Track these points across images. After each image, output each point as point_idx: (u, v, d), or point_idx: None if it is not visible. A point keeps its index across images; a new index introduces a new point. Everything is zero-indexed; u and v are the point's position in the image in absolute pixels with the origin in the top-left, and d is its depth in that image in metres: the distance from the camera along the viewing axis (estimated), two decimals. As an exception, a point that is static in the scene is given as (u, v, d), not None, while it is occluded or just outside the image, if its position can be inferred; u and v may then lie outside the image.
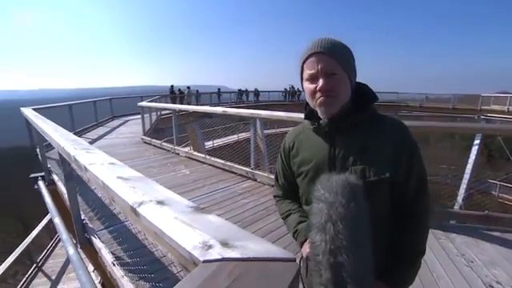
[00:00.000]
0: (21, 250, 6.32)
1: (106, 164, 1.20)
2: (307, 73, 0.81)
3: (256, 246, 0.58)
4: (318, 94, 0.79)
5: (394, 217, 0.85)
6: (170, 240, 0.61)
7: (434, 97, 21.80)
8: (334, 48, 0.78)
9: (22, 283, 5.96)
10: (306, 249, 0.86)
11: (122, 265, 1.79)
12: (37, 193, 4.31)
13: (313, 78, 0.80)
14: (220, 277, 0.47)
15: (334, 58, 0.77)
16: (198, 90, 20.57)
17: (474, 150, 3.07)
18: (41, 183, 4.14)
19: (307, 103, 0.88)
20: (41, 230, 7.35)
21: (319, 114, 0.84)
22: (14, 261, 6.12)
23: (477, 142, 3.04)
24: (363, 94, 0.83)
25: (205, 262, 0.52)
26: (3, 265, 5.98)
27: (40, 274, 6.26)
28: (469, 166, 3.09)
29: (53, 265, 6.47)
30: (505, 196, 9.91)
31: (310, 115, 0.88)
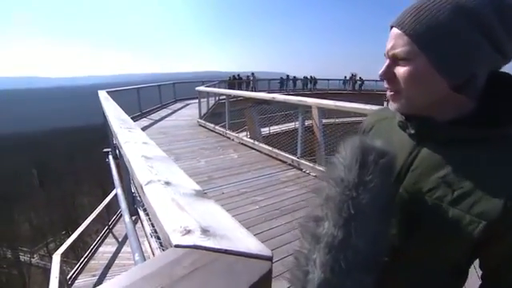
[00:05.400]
0: (96, 213, 7.45)
1: (139, 143, 1.29)
2: None
3: (235, 239, 0.55)
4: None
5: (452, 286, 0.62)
6: (158, 220, 0.63)
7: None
8: (416, 18, 0.49)
9: (97, 240, 7.06)
10: None
11: (158, 238, 1.96)
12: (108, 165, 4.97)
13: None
14: (180, 265, 0.46)
15: (407, 36, 0.50)
16: (288, 75, 21.13)
17: None
18: (110, 157, 4.73)
19: None
20: (113, 198, 8.53)
21: None
22: (95, 221, 7.26)
23: None
24: (506, 99, 0.52)
25: (176, 246, 0.51)
26: (84, 223, 7.18)
27: (110, 235, 7.31)
28: None
29: (120, 229, 7.46)
30: None
31: None
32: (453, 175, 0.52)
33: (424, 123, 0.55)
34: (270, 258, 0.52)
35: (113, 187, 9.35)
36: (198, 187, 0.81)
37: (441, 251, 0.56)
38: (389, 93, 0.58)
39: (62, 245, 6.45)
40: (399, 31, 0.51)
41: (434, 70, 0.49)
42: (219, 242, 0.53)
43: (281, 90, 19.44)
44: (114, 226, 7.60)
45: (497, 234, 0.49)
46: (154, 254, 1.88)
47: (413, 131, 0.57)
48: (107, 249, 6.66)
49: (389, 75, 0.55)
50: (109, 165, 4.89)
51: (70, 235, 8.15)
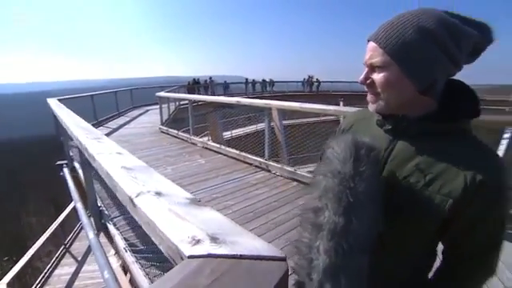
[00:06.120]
0: (50, 232, 6.75)
1: (113, 153, 1.22)
2: None
3: (246, 243, 0.56)
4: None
5: (427, 262, 0.72)
6: (160, 232, 0.61)
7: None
8: (388, 34, 0.59)
9: (52, 262, 6.38)
10: None
11: (134, 252, 1.86)
12: (63, 179, 4.55)
13: None
14: (201, 275, 0.45)
15: (382, 48, 0.60)
16: (226, 81, 20.54)
17: (504, 143, 2.86)
18: (65, 170, 4.36)
19: None
20: (69, 214, 7.80)
21: None
22: (47, 241, 6.56)
23: (507, 135, 2.83)
24: (460, 100, 0.63)
25: (190, 257, 0.51)
26: (35, 244, 6.42)
27: (67, 255, 6.66)
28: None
29: (78, 246, 6.84)
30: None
31: None
32: (424, 163, 0.61)
33: (399, 119, 0.64)
34: (284, 259, 0.54)
35: (67, 203, 8.56)
36: (190, 195, 0.80)
37: (418, 232, 0.64)
38: (369, 96, 0.67)
39: (5, 274, 5.71)
40: (375, 44, 0.61)
41: (404, 76, 0.59)
42: (231, 248, 0.54)
43: (225, 95, 18.65)
44: (71, 244, 6.95)
45: (459, 211, 0.58)
46: (129, 269, 1.77)
47: (390, 127, 0.66)
48: (64, 270, 6.05)
49: (368, 81, 0.65)
50: (64, 178, 4.50)
51: (15, 262, 7.22)
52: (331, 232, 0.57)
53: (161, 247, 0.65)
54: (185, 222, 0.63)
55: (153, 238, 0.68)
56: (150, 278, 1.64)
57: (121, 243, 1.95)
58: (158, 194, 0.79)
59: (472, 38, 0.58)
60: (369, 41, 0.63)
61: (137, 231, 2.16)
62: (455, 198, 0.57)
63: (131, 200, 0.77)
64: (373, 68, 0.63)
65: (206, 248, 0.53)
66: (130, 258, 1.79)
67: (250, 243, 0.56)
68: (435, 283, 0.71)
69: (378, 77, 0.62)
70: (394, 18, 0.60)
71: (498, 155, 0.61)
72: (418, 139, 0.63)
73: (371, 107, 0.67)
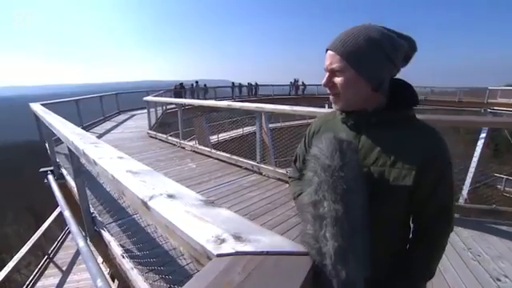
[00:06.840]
0: (33, 242, 6.48)
1: (114, 158, 1.21)
2: None
3: (269, 240, 0.58)
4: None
5: (404, 233, 0.82)
6: (182, 233, 0.62)
7: (439, 90, 21.12)
8: (344, 44, 0.72)
9: (34, 274, 6.11)
10: None
11: (132, 257, 1.82)
12: (47, 186, 4.39)
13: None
14: (234, 271, 0.47)
15: (340, 56, 0.72)
16: (205, 84, 20.34)
17: (480, 143, 3.02)
18: (50, 177, 4.21)
19: None
20: (52, 222, 7.52)
21: None
22: (27, 252, 6.28)
23: (483, 135, 2.99)
24: (402, 94, 0.76)
25: (219, 255, 0.52)
26: (16, 256, 6.13)
27: (51, 265, 6.41)
28: (474, 160, 3.05)
29: (63, 256, 6.61)
30: (511, 190, 9.76)
31: None
32: (387, 147, 0.74)
33: (361, 113, 0.77)
34: (307, 253, 0.57)
35: (48, 211, 8.22)
36: (202, 196, 0.82)
37: (393, 206, 0.76)
38: (331, 97, 0.79)
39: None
40: (333, 53, 0.74)
41: (360, 78, 0.72)
42: (256, 245, 0.56)
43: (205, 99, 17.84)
44: (55, 254, 6.70)
45: (421, 179, 0.71)
46: (127, 276, 1.74)
47: (353, 121, 0.79)
48: (49, 281, 5.83)
49: (330, 84, 0.77)
50: (48, 186, 4.34)
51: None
52: (333, 219, 0.63)
53: (181, 248, 0.66)
54: (205, 223, 0.64)
55: (171, 240, 0.69)
56: (149, 283, 1.62)
57: (117, 249, 1.91)
58: (171, 196, 0.80)
59: (404, 47, 0.73)
60: (327, 50, 0.76)
61: (135, 236, 2.12)
62: (416, 169, 0.71)
63: (144, 203, 0.77)
64: (333, 72, 0.75)
65: (232, 246, 0.55)
66: (127, 264, 1.76)
67: (272, 240, 0.58)
68: (412, 248, 0.82)
69: (338, 79, 0.74)
70: (347, 31, 0.73)
71: (439, 133, 0.74)
72: (378, 129, 0.76)
73: (335, 106, 0.80)
